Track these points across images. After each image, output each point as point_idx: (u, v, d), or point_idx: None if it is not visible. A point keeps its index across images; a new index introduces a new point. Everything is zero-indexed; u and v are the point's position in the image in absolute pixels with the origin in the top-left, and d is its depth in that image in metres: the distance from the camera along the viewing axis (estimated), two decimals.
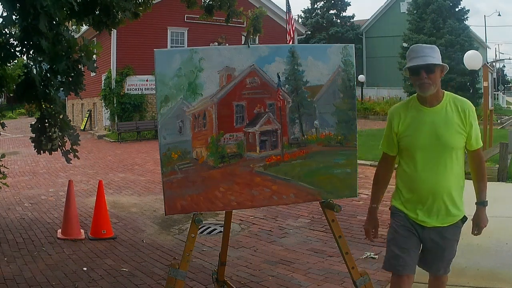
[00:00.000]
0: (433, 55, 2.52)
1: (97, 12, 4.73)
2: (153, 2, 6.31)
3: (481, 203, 2.66)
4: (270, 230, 6.03)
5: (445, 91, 2.62)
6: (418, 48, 2.57)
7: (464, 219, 2.64)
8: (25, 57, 3.74)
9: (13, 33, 3.71)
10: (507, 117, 25.21)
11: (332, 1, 34.70)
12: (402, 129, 2.63)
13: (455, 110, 2.56)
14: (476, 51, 11.91)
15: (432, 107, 2.57)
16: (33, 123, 3.99)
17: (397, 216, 2.69)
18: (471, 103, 2.63)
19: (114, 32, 15.43)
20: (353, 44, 3.01)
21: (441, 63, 2.53)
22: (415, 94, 2.66)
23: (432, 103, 2.57)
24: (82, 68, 3.85)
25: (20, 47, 3.60)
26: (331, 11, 34.83)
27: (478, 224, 2.65)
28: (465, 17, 27.02)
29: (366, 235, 2.83)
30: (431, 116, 2.56)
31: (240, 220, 6.48)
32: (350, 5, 39.05)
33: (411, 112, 2.62)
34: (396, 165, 2.81)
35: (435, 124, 2.54)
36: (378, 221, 2.78)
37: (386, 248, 2.71)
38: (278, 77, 2.79)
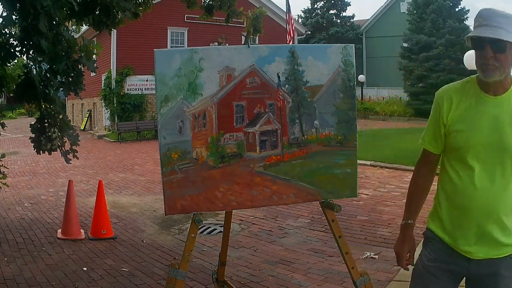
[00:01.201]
0: (508, 28, 1.78)
1: (97, 12, 4.74)
2: (153, 2, 6.32)
3: None
4: (270, 230, 6.03)
5: None
6: (488, 13, 1.84)
7: None
8: (25, 57, 3.75)
9: (13, 33, 3.71)
10: None
11: (332, 1, 34.71)
12: (452, 120, 1.95)
13: None
14: None
15: (496, 96, 1.90)
16: (33, 123, 4.00)
17: (430, 246, 2.05)
18: None
19: (114, 32, 15.43)
20: (353, 44, 3.00)
21: None
22: (475, 76, 2.00)
23: (496, 90, 1.90)
24: (82, 68, 3.85)
25: (20, 47, 3.61)
26: (331, 11, 34.84)
27: None
28: (465, 17, 26.98)
29: (399, 261, 2.13)
30: (494, 109, 1.89)
31: (240, 220, 6.48)
32: (350, 5, 39.13)
33: (468, 99, 1.95)
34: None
35: (498, 120, 1.87)
36: (414, 242, 2.12)
37: (411, 283, 2.15)
38: (278, 77, 2.79)
